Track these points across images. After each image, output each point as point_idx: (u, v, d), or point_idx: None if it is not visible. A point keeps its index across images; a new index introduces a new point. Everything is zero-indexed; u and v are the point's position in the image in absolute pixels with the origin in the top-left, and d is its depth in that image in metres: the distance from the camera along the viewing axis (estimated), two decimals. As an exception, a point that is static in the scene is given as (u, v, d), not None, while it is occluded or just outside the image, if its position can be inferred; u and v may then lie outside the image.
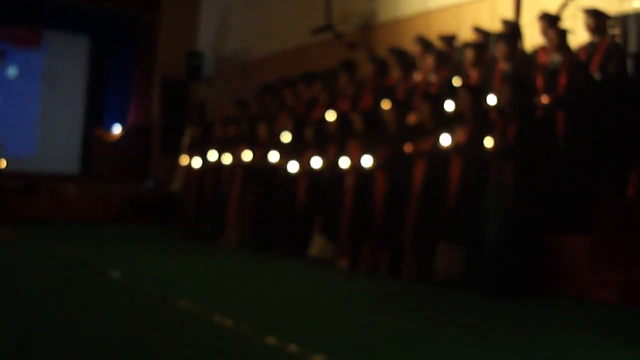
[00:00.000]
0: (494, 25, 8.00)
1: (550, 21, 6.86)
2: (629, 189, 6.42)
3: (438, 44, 8.07)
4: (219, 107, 14.63)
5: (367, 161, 7.26)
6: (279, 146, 8.84)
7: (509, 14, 8.22)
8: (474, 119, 6.53)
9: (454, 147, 6.48)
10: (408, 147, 6.97)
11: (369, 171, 7.30)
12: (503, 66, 6.95)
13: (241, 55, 14.37)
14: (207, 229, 10.21)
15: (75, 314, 4.99)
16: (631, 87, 6.63)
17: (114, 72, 17.22)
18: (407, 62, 8.12)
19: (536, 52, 7.16)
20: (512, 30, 7.40)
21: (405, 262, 6.87)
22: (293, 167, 8.42)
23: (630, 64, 6.82)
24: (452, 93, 6.88)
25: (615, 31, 7.09)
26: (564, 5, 7.51)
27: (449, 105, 6.86)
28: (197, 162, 10.53)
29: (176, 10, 16.39)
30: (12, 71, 16.48)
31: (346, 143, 7.83)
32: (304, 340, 4.19)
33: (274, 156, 8.79)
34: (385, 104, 7.36)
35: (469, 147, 6.41)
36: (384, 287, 6.66)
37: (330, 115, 8.22)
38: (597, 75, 6.62)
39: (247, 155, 9.30)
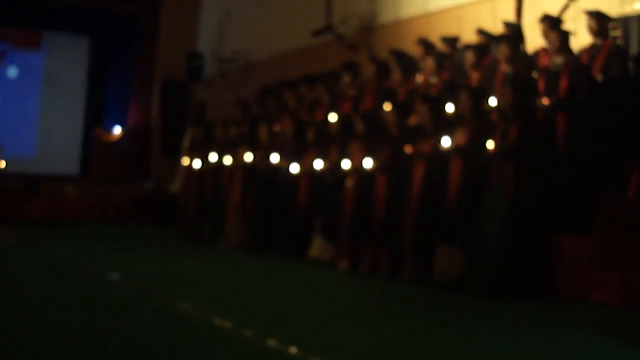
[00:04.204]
0: (495, 27, 8.00)
1: (551, 23, 6.85)
2: (630, 191, 6.41)
3: (439, 45, 8.06)
4: (218, 108, 14.62)
5: (367, 163, 7.26)
6: (280, 148, 8.84)
7: (510, 16, 8.22)
8: (474, 120, 6.53)
9: (454, 148, 6.48)
10: (408, 149, 6.97)
11: (370, 173, 7.30)
12: (504, 68, 6.95)
13: (241, 57, 14.36)
14: (207, 229, 10.21)
15: (74, 315, 4.99)
16: (633, 89, 6.62)
17: (114, 73, 17.21)
18: (408, 63, 8.11)
19: (537, 54, 7.16)
20: (514, 32, 7.39)
21: (405, 264, 6.86)
22: (294, 168, 8.42)
23: (631, 66, 6.82)
24: (452, 95, 6.88)
25: (617, 33, 7.09)
26: (565, 7, 7.51)
27: (450, 107, 6.86)
28: (197, 163, 10.53)
29: (176, 10, 16.38)
30: (12, 72, 16.47)
31: (347, 145, 7.83)
32: (303, 342, 4.19)
33: (275, 157, 8.79)
34: (387, 106, 7.37)
35: (469, 149, 6.42)
36: (383, 288, 6.66)
37: (332, 117, 8.22)
38: (599, 78, 6.62)
39: (248, 157, 9.30)
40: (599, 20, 6.77)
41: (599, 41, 6.77)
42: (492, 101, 6.52)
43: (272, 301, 5.77)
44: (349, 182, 7.64)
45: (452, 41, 8.09)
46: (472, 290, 6.06)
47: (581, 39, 7.05)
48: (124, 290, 6.21)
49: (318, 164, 8.11)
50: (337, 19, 11.24)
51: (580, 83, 6.53)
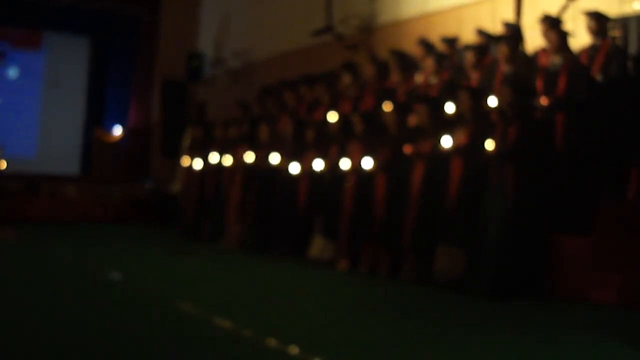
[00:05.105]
0: (495, 27, 8.00)
1: (551, 23, 6.86)
2: (630, 191, 6.41)
3: (439, 45, 8.07)
4: (218, 108, 14.63)
5: (367, 163, 7.27)
6: (280, 148, 8.85)
7: (510, 16, 8.22)
8: (474, 120, 6.54)
9: (455, 148, 6.48)
10: (407, 149, 6.97)
11: (369, 173, 7.31)
12: (504, 68, 6.96)
13: (241, 57, 14.37)
14: (207, 229, 10.22)
15: (75, 315, 4.99)
16: (632, 89, 6.63)
17: (114, 73, 17.22)
18: (408, 64, 8.12)
19: (537, 54, 7.17)
20: (514, 32, 7.40)
21: (405, 264, 6.87)
22: (294, 168, 8.43)
23: (630, 66, 6.82)
24: (452, 95, 6.88)
25: (616, 33, 7.09)
26: (564, 7, 7.52)
27: (450, 107, 6.86)
28: (197, 163, 10.53)
29: (176, 10, 16.39)
30: (12, 72, 16.47)
31: (347, 144, 7.83)
32: (303, 342, 4.19)
33: (275, 157, 8.79)
34: (387, 107, 7.37)
35: (469, 149, 6.42)
36: (383, 288, 6.66)
37: (332, 117, 8.23)
38: (598, 78, 6.63)
39: (248, 157, 9.31)
40: (598, 21, 6.78)
41: (598, 41, 6.78)
42: (492, 101, 6.52)
43: (272, 301, 5.77)
44: (349, 182, 7.64)
45: (451, 41, 8.10)
46: (472, 290, 6.06)
47: (580, 39, 7.06)
48: (124, 290, 6.21)
49: (318, 164, 8.11)
50: (337, 19, 11.24)
51: (578, 83, 6.53)
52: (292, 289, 6.55)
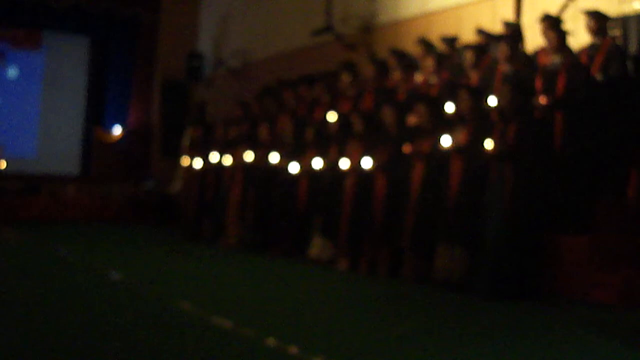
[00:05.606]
0: (495, 27, 8.00)
1: (550, 23, 6.86)
2: (629, 190, 6.41)
3: (439, 45, 8.07)
4: (218, 108, 14.63)
5: (366, 162, 7.27)
6: (280, 147, 8.85)
7: (510, 16, 8.22)
8: (474, 120, 6.54)
9: (455, 147, 6.48)
10: (407, 148, 6.98)
11: (369, 172, 7.31)
12: (504, 67, 6.96)
13: (241, 57, 14.36)
14: (207, 229, 10.22)
15: (75, 315, 4.99)
16: (632, 88, 6.63)
17: (114, 73, 17.18)
18: (408, 63, 8.13)
19: (537, 53, 7.17)
20: (513, 32, 7.40)
21: (404, 263, 6.87)
22: (294, 168, 8.43)
23: (630, 65, 6.82)
24: (452, 95, 6.88)
25: (616, 32, 7.09)
26: (564, 7, 7.52)
27: (450, 107, 6.86)
28: (197, 163, 10.54)
29: (176, 11, 16.39)
30: (12, 72, 16.46)
31: (347, 144, 7.83)
32: (303, 341, 4.19)
33: (274, 157, 8.80)
34: (387, 110, 7.37)
35: (469, 148, 6.42)
36: (383, 288, 6.66)
37: (331, 116, 8.23)
38: (598, 77, 6.62)
39: (248, 156, 9.31)
40: (597, 20, 6.78)
41: (598, 40, 6.78)
42: (492, 101, 6.53)
43: (271, 301, 5.78)
44: (348, 182, 7.64)
45: (451, 41, 8.10)
46: (472, 290, 6.06)
47: (580, 38, 7.06)
48: (124, 290, 6.21)
49: (317, 164, 8.11)
50: (336, 19, 11.24)
51: (578, 82, 6.53)
52: (292, 289, 6.55)
